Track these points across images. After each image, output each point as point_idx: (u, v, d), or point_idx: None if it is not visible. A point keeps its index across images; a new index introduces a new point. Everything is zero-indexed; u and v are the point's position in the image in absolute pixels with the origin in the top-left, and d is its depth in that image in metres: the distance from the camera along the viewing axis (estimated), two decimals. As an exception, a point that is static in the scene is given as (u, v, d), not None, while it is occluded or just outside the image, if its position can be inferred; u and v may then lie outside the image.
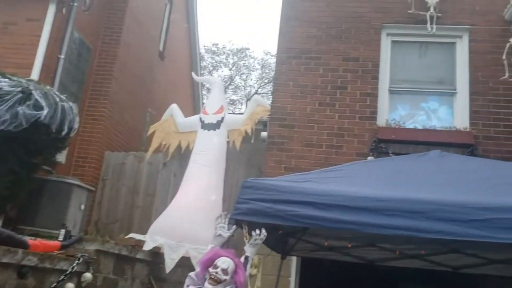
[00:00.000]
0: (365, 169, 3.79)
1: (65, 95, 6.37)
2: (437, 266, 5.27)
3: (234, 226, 3.17)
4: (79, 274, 5.32)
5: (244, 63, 23.47)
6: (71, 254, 5.33)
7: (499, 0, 6.57)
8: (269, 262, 6.09)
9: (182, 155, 7.48)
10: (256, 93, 23.11)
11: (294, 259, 6.09)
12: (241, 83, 23.85)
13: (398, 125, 6.46)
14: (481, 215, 2.85)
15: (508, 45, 6.02)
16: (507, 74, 6.00)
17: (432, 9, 6.55)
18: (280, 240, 5.01)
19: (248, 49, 23.39)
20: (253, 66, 23.61)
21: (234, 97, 23.55)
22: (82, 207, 7.02)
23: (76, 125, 6.28)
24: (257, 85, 23.30)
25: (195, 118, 7.37)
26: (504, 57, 6.03)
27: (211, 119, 7.06)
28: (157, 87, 10.75)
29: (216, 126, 6.98)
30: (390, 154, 6.18)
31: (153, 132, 7.89)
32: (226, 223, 3.15)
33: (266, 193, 3.15)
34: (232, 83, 23.61)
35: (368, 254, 5.32)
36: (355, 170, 3.77)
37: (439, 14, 6.61)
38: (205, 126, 7.01)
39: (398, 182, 3.48)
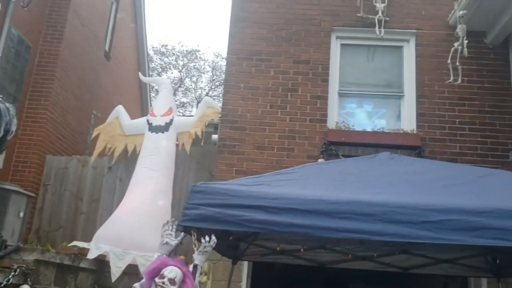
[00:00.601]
0: (316, 171, 3.74)
1: (0, 96, 5.98)
2: (387, 267, 5.32)
3: (182, 233, 3.01)
4: (16, 286, 4.98)
5: (194, 65, 23.20)
6: (7, 266, 4.98)
7: (444, 5, 6.76)
8: (219, 267, 5.94)
9: (129, 159, 7.21)
10: (207, 95, 22.89)
11: (245, 264, 5.98)
12: (191, 85, 23.57)
13: (347, 127, 6.50)
14: (432, 216, 2.85)
15: (452, 49, 6.17)
16: (452, 78, 6.16)
17: (380, 13, 6.64)
18: (231, 245, 4.89)
19: (198, 51, 23.15)
20: (203, 68, 23.39)
21: (184, 100, 23.22)
22: (21, 214, 6.62)
23: (14, 128, 5.89)
24: (208, 87, 23.11)
25: (142, 120, 7.11)
26: (449, 61, 6.18)
27: (159, 121, 6.83)
28: (102, 89, 10.36)
29: (164, 128, 6.76)
30: (340, 156, 6.21)
31: (98, 135, 7.56)
32: (174, 230, 2.99)
33: (216, 198, 3.02)
34: (182, 85, 23.26)
35: (320, 256, 5.30)
36: (307, 172, 3.71)
37: (387, 18, 6.72)
38: (153, 128, 6.77)
39: (349, 184, 3.45)
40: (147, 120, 6.96)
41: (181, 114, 21.25)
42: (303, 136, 6.50)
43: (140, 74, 7.96)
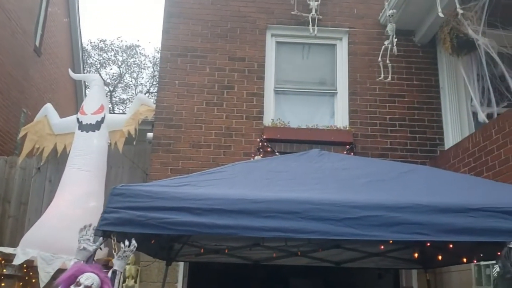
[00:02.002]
0: (246, 170, 3.71)
1: None
2: (321, 262, 5.40)
3: (101, 238, 2.89)
4: None
5: (134, 61, 22.62)
6: None
7: (375, 4, 6.93)
8: (154, 269, 5.83)
9: (58, 159, 6.90)
10: (148, 91, 22.40)
11: (181, 265, 5.89)
12: (131, 81, 22.95)
13: (283, 124, 6.54)
14: (354, 213, 2.88)
15: (383, 47, 6.36)
16: (382, 76, 6.34)
17: (313, 12, 6.71)
18: (164, 246, 4.79)
19: (138, 46, 22.56)
20: (144, 64, 22.84)
21: (124, 96, 22.59)
22: None
23: None
24: (149, 83, 22.60)
25: (72, 119, 6.80)
26: (379, 59, 6.36)
27: (89, 119, 6.56)
28: (33, 85, 9.86)
29: (95, 127, 6.50)
30: (276, 153, 6.25)
31: (25, 135, 7.17)
32: (92, 235, 2.86)
33: (137, 201, 2.91)
34: (122, 82, 22.63)
35: (255, 254, 5.30)
36: (236, 171, 3.67)
37: (320, 17, 6.81)
38: (83, 127, 6.50)
39: (277, 182, 3.44)
40: (77, 119, 6.67)
41: (120, 111, 20.69)
42: (240, 134, 6.48)
43: (70, 70, 7.61)
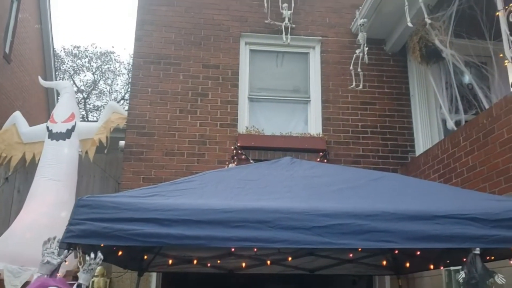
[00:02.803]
0: (216, 179, 3.69)
1: None
2: (295, 270, 5.40)
3: (66, 251, 2.82)
4: None
5: (109, 67, 22.35)
6: None
7: (347, 14, 7.02)
8: (126, 279, 5.75)
9: (27, 169, 6.74)
10: (123, 98, 22.15)
11: (154, 275, 5.81)
12: (106, 88, 22.66)
13: (257, 132, 6.55)
14: (323, 221, 2.88)
15: (354, 56, 6.45)
16: (354, 84, 6.41)
17: (286, 20, 6.77)
18: (135, 257, 4.72)
19: (113, 52, 22.33)
20: (119, 71, 22.60)
21: (98, 103, 22.28)
22: None
23: None
24: (124, 90, 22.35)
25: (41, 127, 6.65)
26: (351, 67, 6.45)
27: (60, 127, 6.44)
28: (2, 93, 9.63)
29: (66, 135, 6.38)
30: (251, 161, 6.25)
31: (-7, 143, 6.98)
32: (56, 248, 2.79)
33: (104, 212, 2.86)
34: (96, 88, 22.33)
35: (228, 263, 5.26)
36: (206, 180, 3.64)
37: (293, 25, 6.87)
38: (53, 135, 6.37)
39: (248, 191, 3.43)
40: (47, 127, 6.53)
41: (94, 118, 20.41)
42: (214, 141, 6.46)
43: (39, 78, 7.45)
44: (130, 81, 22.26)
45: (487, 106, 5.20)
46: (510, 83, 4.40)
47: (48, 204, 5.94)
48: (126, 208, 2.90)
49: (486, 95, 5.31)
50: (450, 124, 5.68)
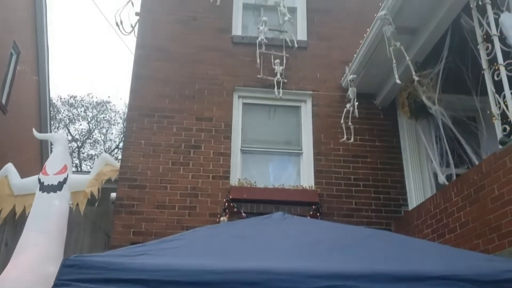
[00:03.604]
0: (206, 237, 3.65)
1: None
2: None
3: (50, 313, 2.75)
4: None
5: (104, 117, 22.55)
6: None
7: (337, 69, 7.21)
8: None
9: (17, 222, 6.63)
10: (117, 147, 22.20)
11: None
12: (100, 137, 22.76)
13: (250, 184, 6.54)
14: (313, 283, 2.84)
15: (345, 110, 6.56)
16: (345, 137, 6.49)
17: (278, 75, 6.95)
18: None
19: (109, 102, 22.59)
20: (114, 120, 22.79)
21: (92, 152, 22.30)
22: None
23: None
24: (118, 139, 22.44)
25: (33, 179, 6.61)
26: (342, 121, 6.54)
27: (51, 180, 6.40)
28: (-4, 144, 9.65)
29: (57, 187, 6.33)
30: (243, 214, 6.21)
31: (-16, 196, 6.91)
32: (40, 310, 2.72)
33: (91, 272, 2.81)
34: (91, 137, 22.41)
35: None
36: (196, 238, 3.61)
37: (285, 80, 7.04)
38: (44, 188, 6.32)
39: (239, 250, 3.39)
40: (39, 179, 6.49)
41: (88, 167, 20.36)
42: (206, 194, 6.43)
43: (34, 130, 7.50)
44: (124, 129, 22.48)
45: (476, 162, 5.25)
46: (498, 140, 4.47)
47: (35, 259, 5.80)
48: (114, 268, 2.85)
49: (475, 151, 5.38)
50: (442, 179, 5.72)
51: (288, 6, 7.62)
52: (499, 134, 4.45)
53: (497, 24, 4.56)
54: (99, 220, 6.70)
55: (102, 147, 22.10)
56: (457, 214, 4.87)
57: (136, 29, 7.64)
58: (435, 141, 6.01)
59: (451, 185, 5.14)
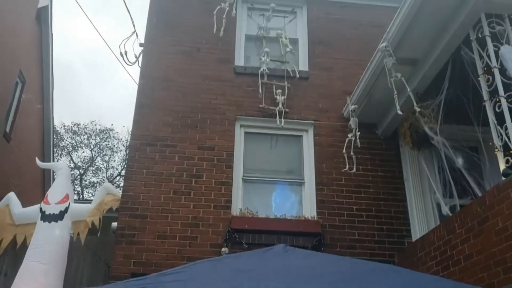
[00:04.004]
0: (206, 271, 3.60)
1: None
2: None
3: None
4: None
5: (107, 144, 22.63)
6: None
7: (338, 99, 7.25)
8: None
9: (17, 251, 6.60)
10: (119, 174, 22.20)
11: None
12: (103, 164, 22.80)
13: (251, 214, 6.49)
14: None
15: (347, 139, 6.56)
16: (347, 167, 6.47)
17: (280, 105, 6.98)
18: None
19: (112, 130, 22.72)
20: (117, 147, 22.86)
21: (94, 180, 22.30)
22: None
23: None
24: (121, 166, 22.46)
25: (34, 208, 6.60)
26: (344, 150, 6.54)
27: (53, 209, 6.38)
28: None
29: (58, 217, 6.30)
30: (244, 245, 6.14)
31: (-15, 225, 6.88)
32: None
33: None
34: (93, 165, 22.45)
35: None
36: (196, 271, 3.55)
37: (287, 110, 7.07)
38: (46, 217, 6.29)
39: (239, 284, 3.35)
40: (40, 208, 6.48)
41: (90, 194, 20.32)
42: (207, 224, 6.38)
43: (37, 159, 7.53)
44: (126, 158, 22.53)
45: (480, 194, 5.21)
46: (501, 172, 4.45)
47: (34, 290, 5.74)
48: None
49: (478, 183, 5.35)
50: (445, 210, 5.67)
51: (289, 37, 7.73)
52: (502, 166, 4.43)
53: (497, 57, 4.60)
54: (100, 249, 6.66)
55: (104, 175, 22.13)
56: (461, 246, 4.81)
57: (140, 59, 7.75)
58: (438, 172, 5.98)
59: (454, 216, 5.09)
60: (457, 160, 5.38)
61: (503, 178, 4.33)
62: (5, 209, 6.87)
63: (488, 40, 4.70)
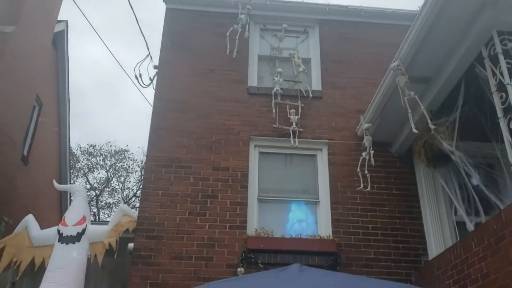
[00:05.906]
0: (223, 291, 3.63)
1: None
2: None
3: None
4: None
5: (122, 165, 22.84)
6: None
7: (352, 118, 7.28)
8: None
9: (36, 273, 6.65)
10: (135, 195, 22.33)
11: None
12: (118, 185, 22.97)
13: (267, 234, 6.49)
14: None
15: (361, 158, 6.57)
16: (362, 185, 6.47)
17: (294, 125, 7.04)
18: None
19: (127, 151, 22.96)
20: (132, 168, 23.07)
21: (110, 200, 22.47)
22: None
23: None
24: (136, 187, 22.62)
25: (52, 231, 6.68)
26: (358, 169, 6.54)
27: (70, 231, 6.46)
28: (17, 194, 9.79)
29: (76, 238, 6.38)
30: (260, 265, 6.14)
31: (4, 247, 6.97)
32: None
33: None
34: (109, 186, 22.63)
35: None
36: (213, 292, 3.58)
37: (301, 129, 7.11)
38: (63, 239, 6.38)
39: (255, 304, 3.36)
40: (58, 230, 6.57)
41: (106, 215, 20.45)
42: (223, 244, 6.39)
43: (54, 181, 7.67)
44: (142, 178, 22.70)
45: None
46: (518, 188, 4.42)
47: (52, 312, 5.79)
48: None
49: (500, 199, 5.29)
50: (470, 227, 5.58)
51: (302, 57, 7.83)
52: (518, 183, 4.40)
53: (510, 74, 4.60)
54: (117, 271, 6.69)
55: (120, 196, 22.27)
56: (479, 264, 4.75)
57: (154, 81, 7.90)
58: (458, 189, 5.91)
59: (471, 234, 5.04)
60: (475, 176, 5.34)
61: (520, 195, 4.30)
62: (24, 232, 6.97)
63: (501, 57, 4.71)
